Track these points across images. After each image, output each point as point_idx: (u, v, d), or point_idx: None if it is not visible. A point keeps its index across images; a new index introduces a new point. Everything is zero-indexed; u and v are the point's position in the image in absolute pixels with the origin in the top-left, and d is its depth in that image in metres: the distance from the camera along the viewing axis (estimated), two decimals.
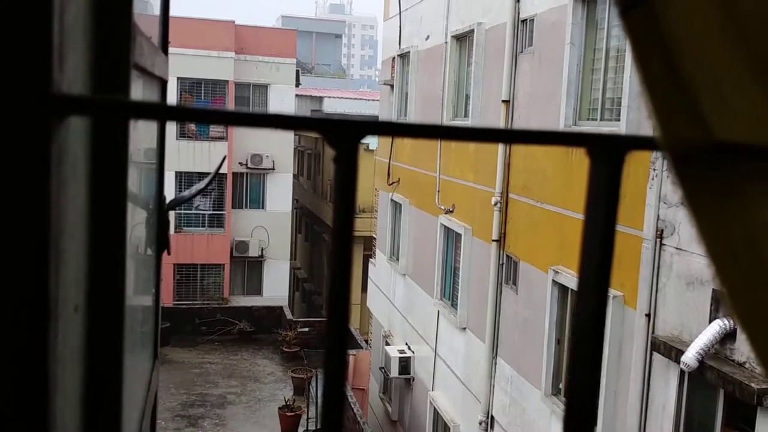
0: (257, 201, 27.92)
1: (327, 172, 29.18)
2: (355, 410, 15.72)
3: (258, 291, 27.80)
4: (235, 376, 20.66)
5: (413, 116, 15.08)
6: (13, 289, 0.56)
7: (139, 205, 1.60)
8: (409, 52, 15.34)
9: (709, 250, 0.46)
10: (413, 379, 14.88)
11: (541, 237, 9.62)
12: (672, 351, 6.58)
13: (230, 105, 26.45)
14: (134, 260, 1.44)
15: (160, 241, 2.17)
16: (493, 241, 10.82)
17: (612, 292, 7.63)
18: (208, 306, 24.98)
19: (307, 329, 22.25)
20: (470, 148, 11.80)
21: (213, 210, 26.98)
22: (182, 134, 25.93)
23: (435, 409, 13.36)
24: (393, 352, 15.10)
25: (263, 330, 23.72)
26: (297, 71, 28.18)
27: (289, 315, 24.26)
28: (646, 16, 0.43)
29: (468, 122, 12.07)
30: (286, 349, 21.99)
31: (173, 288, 26.04)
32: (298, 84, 28.56)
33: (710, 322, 6.23)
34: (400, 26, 15.99)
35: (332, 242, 0.46)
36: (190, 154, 25.64)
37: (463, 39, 12.64)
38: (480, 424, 11.20)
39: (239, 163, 26.87)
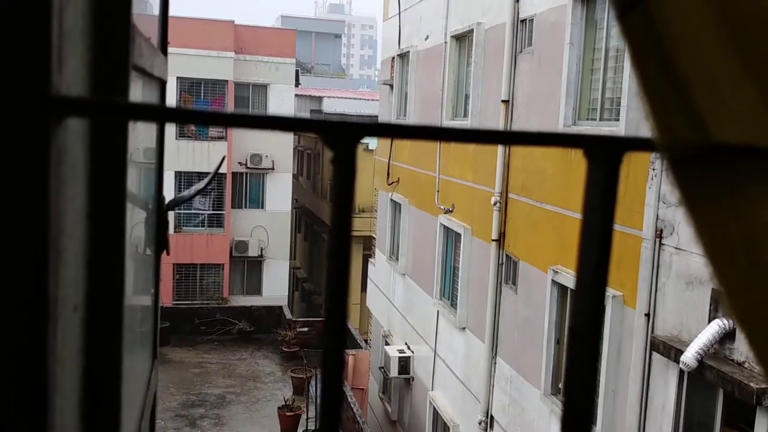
0: (257, 201, 27.90)
1: (326, 172, 29.15)
2: (354, 410, 15.70)
3: (257, 291, 27.78)
4: (234, 375, 20.64)
5: (413, 116, 15.08)
6: (13, 289, 0.56)
7: (139, 205, 1.60)
8: (408, 52, 15.33)
9: (706, 250, 0.46)
10: (413, 379, 14.88)
11: (540, 237, 9.62)
12: (671, 351, 6.58)
13: (230, 105, 26.44)
14: (133, 260, 1.44)
15: (160, 241, 2.17)
16: (493, 240, 10.82)
17: (611, 291, 7.63)
18: (208, 306, 24.96)
19: (306, 329, 22.25)
20: (470, 148, 11.80)
21: (212, 210, 26.97)
22: (182, 134, 25.90)
23: (434, 408, 13.36)
24: (392, 351, 15.09)
25: (263, 330, 23.71)
26: (296, 71, 28.16)
27: (288, 315, 24.25)
28: (642, 17, 0.43)
29: (467, 122, 12.07)
30: (285, 349, 21.98)
31: (173, 288, 26.03)
32: (297, 84, 28.54)
33: (709, 321, 6.23)
34: (399, 26, 15.98)
35: (330, 243, 0.46)
36: (189, 154, 25.62)
37: (462, 39, 12.64)
38: (479, 423, 11.20)
39: (239, 162, 26.86)
